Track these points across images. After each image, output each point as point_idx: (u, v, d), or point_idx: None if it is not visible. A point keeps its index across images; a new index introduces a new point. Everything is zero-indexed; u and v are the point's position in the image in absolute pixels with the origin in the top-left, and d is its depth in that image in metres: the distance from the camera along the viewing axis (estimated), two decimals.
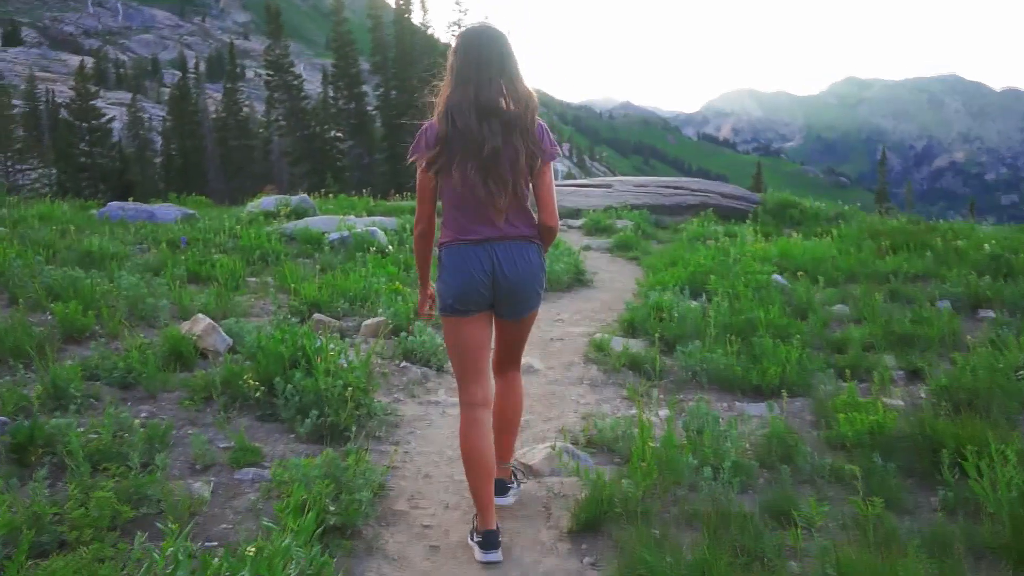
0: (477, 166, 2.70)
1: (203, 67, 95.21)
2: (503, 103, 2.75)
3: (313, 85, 68.53)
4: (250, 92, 77.32)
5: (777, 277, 7.92)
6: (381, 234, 8.59)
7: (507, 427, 3.10)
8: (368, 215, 12.44)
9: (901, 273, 8.66)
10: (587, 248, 11.10)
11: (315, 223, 9.25)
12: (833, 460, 3.53)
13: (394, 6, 51.80)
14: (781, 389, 4.71)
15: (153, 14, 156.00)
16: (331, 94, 52.10)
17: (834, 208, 16.00)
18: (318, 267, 7.43)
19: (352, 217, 10.18)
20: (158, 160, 60.22)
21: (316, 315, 5.49)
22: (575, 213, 14.86)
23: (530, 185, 2.83)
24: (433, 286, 3.02)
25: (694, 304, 6.28)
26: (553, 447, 3.36)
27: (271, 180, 49.25)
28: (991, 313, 7.11)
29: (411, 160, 2.84)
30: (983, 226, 16.32)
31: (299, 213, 10.79)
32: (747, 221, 14.69)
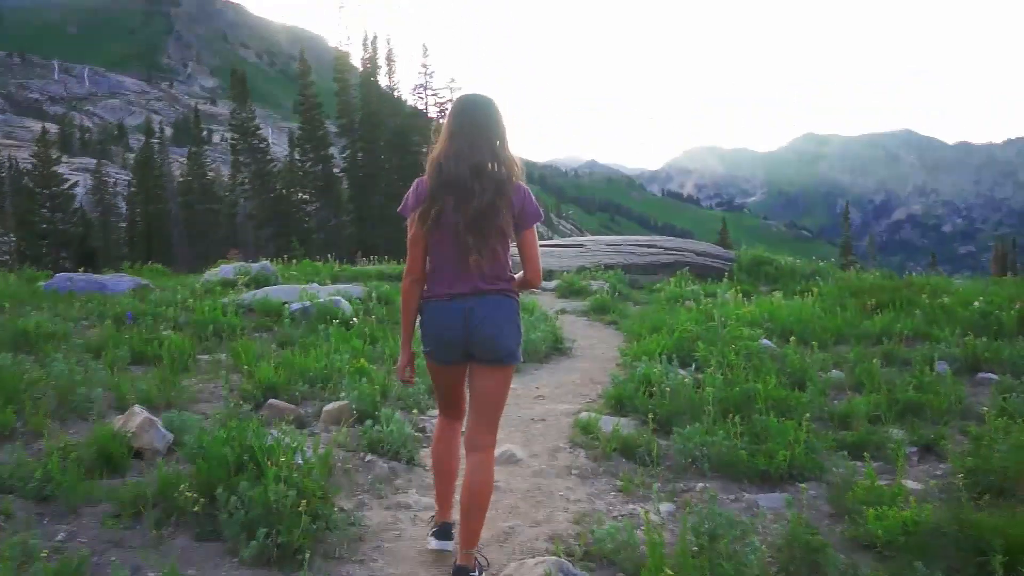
0: (465, 220, 2.89)
1: (169, 132, 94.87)
2: (491, 165, 2.95)
3: (280, 148, 68.43)
4: (216, 156, 76.98)
5: (765, 341, 7.53)
6: (346, 304, 8.09)
7: (474, 511, 3.03)
8: (332, 282, 11.93)
9: (892, 333, 8.32)
10: (562, 312, 10.65)
11: (275, 292, 8.71)
12: (867, 568, 3.06)
13: (360, 69, 52.08)
14: (791, 474, 4.26)
15: (120, 80, 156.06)
16: (298, 156, 51.93)
17: (809, 265, 15.80)
18: (275, 343, 6.90)
19: (315, 285, 9.66)
20: (123, 225, 59.42)
21: (271, 401, 4.94)
22: (548, 275, 14.47)
23: (509, 244, 3.02)
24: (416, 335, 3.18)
25: (685, 376, 5.84)
26: (547, 573, 2.83)
27: (237, 244, 48.62)
28: (992, 376, 6.75)
29: (402, 213, 3.06)
30: (956, 280, 16.22)
31: (260, 281, 10.25)
32: (723, 279, 14.41)
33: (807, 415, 4.68)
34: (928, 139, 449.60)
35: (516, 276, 3.06)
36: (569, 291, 12.22)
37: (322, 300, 8.06)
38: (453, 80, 52.49)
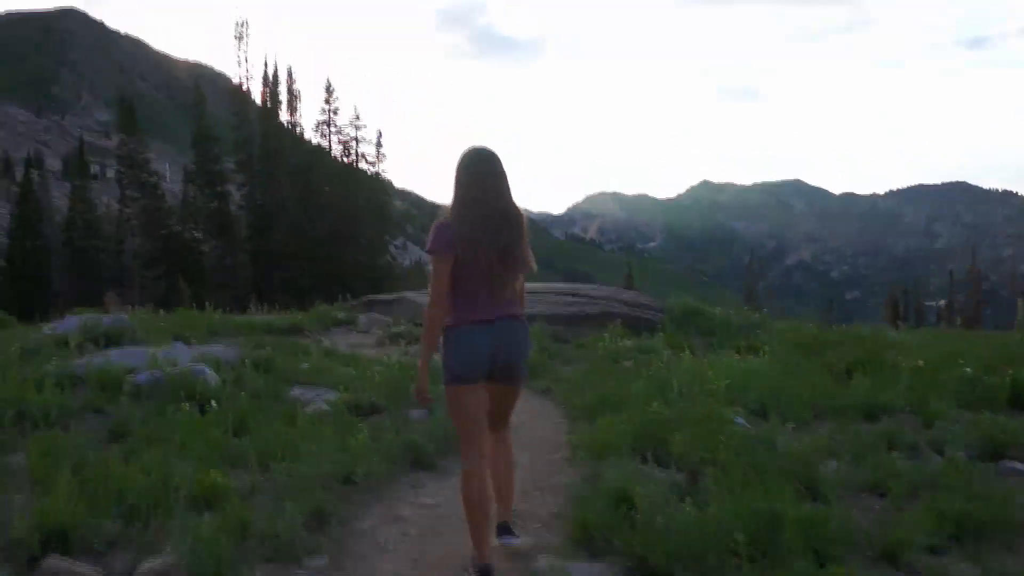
0: (497, 255, 3.36)
1: (59, 165, 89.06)
2: (512, 204, 3.49)
3: (178, 184, 64.82)
4: (109, 192, 72.40)
5: (739, 420, 6.10)
6: (211, 374, 6.25)
7: (504, 479, 3.71)
8: (209, 337, 10.01)
9: (879, 407, 7.03)
10: None
11: (120, 357, 6.72)
12: None
13: (260, 103, 49.74)
14: None
15: (7, 110, 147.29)
16: (192, 193, 48.95)
17: (742, 316, 14.68)
18: (107, 433, 5.02)
19: (179, 345, 7.73)
20: (3, 263, 54.73)
21: (49, 560, 3.07)
22: None
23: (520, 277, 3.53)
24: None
25: (666, 484, 4.30)
26: None
27: (123, 284, 45.32)
28: (1019, 465, 5.50)
29: (431, 252, 3.39)
30: (893, 332, 15.41)
31: (111, 337, 8.24)
32: (657, 332, 13.09)
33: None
34: (816, 189, 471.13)
35: None
36: None
37: (180, 367, 6.21)
38: (358, 117, 50.66)
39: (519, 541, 3.72)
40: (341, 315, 13.51)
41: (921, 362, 8.58)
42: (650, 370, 7.88)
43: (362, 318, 13.13)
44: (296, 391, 6.54)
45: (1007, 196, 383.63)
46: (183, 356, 6.87)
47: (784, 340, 12.00)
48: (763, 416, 6.77)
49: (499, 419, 3.66)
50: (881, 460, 5.23)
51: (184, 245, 46.59)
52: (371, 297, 15.40)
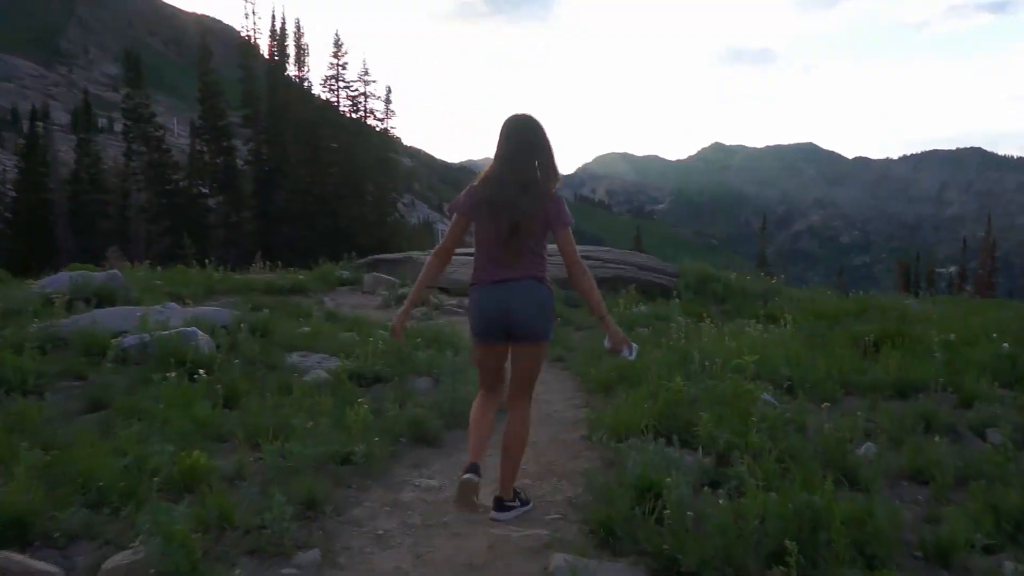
0: (506, 223, 3.51)
1: (66, 119, 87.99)
2: (534, 181, 3.58)
3: (187, 140, 64.11)
4: (116, 146, 71.54)
5: (767, 397, 5.70)
6: (204, 337, 5.86)
7: (509, 456, 3.71)
8: (206, 297, 9.63)
9: (909, 384, 6.63)
10: None
11: (108, 318, 6.31)
12: None
13: (268, 57, 48.88)
14: None
15: (15, 63, 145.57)
16: (199, 148, 48.22)
17: (758, 282, 14.23)
18: (85, 403, 4.64)
19: (173, 306, 7.32)
20: (9, 215, 54.22)
21: (4, 555, 2.74)
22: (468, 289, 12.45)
23: (543, 243, 3.63)
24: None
25: (695, 474, 3.92)
26: None
27: (127, 239, 44.87)
28: None
29: (451, 210, 3.73)
30: (912, 301, 14.98)
31: (103, 295, 7.84)
32: (671, 297, 12.66)
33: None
34: (829, 153, 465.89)
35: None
36: None
37: (170, 331, 5.82)
38: (367, 72, 49.78)
39: (505, 517, 3.66)
40: (346, 274, 13.07)
41: (952, 336, 8.16)
42: (668, 340, 7.46)
43: (367, 278, 12.70)
44: (294, 358, 6.15)
45: (1021, 163, 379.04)
46: (175, 318, 6.46)
47: (804, 310, 11.58)
48: (790, 393, 6.40)
49: (516, 382, 3.73)
50: (921, 445, 4.84)
51: (189, 200, 46.07)
52: (377, 256, 14.97)
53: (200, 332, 5.90)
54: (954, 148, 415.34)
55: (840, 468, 4.25)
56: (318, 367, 5.93)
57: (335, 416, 4.52)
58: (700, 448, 4.34)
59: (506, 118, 3.66)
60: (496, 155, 3.63)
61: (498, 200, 3.54)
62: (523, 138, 3.60)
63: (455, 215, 3.68)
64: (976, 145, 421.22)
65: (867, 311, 12.51)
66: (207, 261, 14.14)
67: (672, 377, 5.86)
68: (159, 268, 12.20)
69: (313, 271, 12.86)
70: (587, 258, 14.00)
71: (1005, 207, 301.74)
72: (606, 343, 3.82)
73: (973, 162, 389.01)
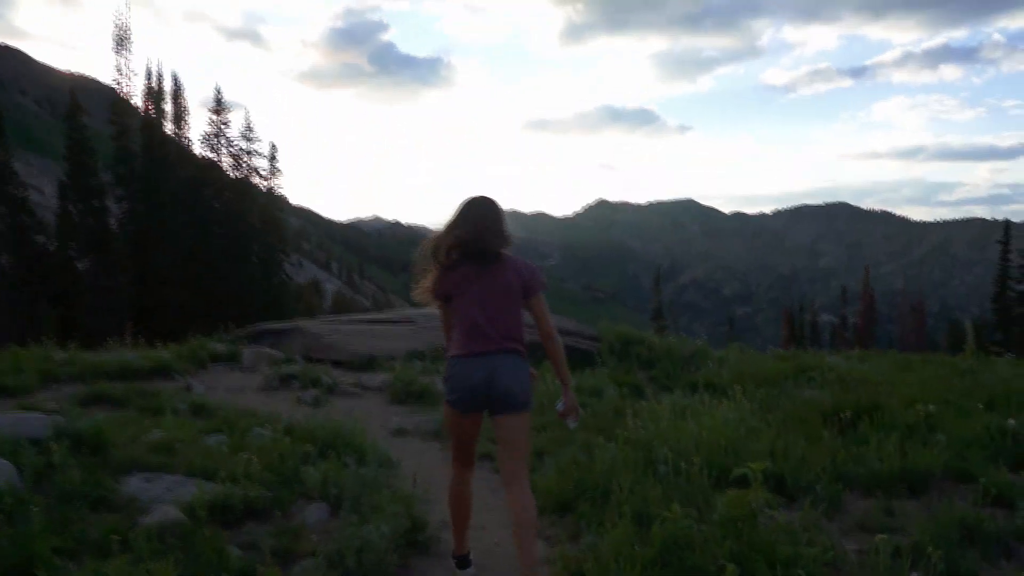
0: (477, 299, 3.64)
1: None
2: (497, 249, 3.70)
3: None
4: None
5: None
6: (2, 466, 4.11)
7: (526, 535, 3.52)
8: (38, 386, 7.70)
9: (913, 475, 5.49)
10: (401, 433, 7.09)
11: None
12: None
13: (143, 112, 46.12)
14: None
15: None
16: (68, 208, 44.62)
17: (684, 344, 13.17)
18: None
19: None
20: None
21: None
22: (369, 363, 10.78)
23: (520, 310, 3.74)
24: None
25: None
26: None
27: None
28: None
29: (422, 290, 3.86)
30: (836, 358, 14.29)
31: None
32: (595, 364, 11.40)
33: None
34: (708, 209, 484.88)
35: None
36: (406, 393, 8.55)
37: None
38: (250, 129, 47.72)
39: None
40: (222, 348, 11.21)
41: (931, 407, 7.13)
42: (623, 431, 6.11)
43: (246, 353, 10.89)
44: (134, 484, 4.43)
45: (885, 216, 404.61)
46: None
47: (740, 374, 10.53)
48: (784, 494, 5.15)
49: (507, 452, 3.70)
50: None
51: (56, 265, 42.50)
52: (260, 326, 13.14)
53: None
54: (823, 203, 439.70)
55: None
56: (167, 497, 4.25)
57: None
58: None
59: (468, 199, 3.81)
60: (450, 227, 3.74)
61: (474, 278, 3.67)
62: (482, 213, 3.74)
63: (437, 301, 3.83)
64: (843, 200, 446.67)
65: (804, 372, 11.63)
66: (70, 333, 11.99)
67: (641, 484, 4.53)
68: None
69: (183, 346, 10.91)
70: None
71: (873, 257, 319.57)
72: (559, 406, 3.97)
73: (842, 215, 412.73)
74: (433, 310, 4.39)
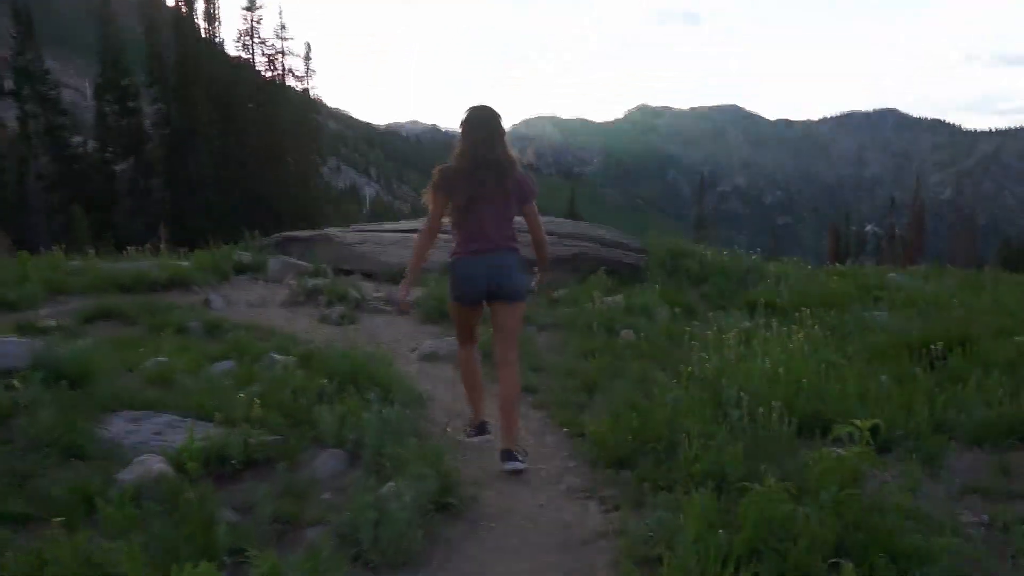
0: (478, 198, 4.01)
1: None
2: (497, 157, 4.04)
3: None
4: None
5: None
6: None
7: (509, 411, 4.05)
8: (44, 299, 7.12)
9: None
10: (432, 358, 6.41)
11: None
12: None
13: (173, 6, 44.79)
14: None
15: None
16: (103, 109, 43.99)
17: (738, 259, 12.27)
18: None
19: None
20: None
21: None
22: (401, 276, 10.07)
23: (513, 215, 4.15)
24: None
25: None
26: None
27: (28, 210, 40.84)
28: None
29: (426, 194, 4.14)
30: (896, 274, 13.36)
31: None
32: (642, 279, 10.60)
33: None
34: (752, 115, 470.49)
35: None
36: (440, 312, 7.83)
37: None
38: (284, 28, 46.24)
39: (522, 465, 4.00)
40: (246, 258, 10.56)
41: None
42: (672, 355, 5.36)
43: (272, 263, 10.22)
44: (118, 426, 3.79)
45: (935, 124, 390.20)
46: None
47: (801, 294, 9.66)
48: (881, 446, 4.39)
49: (502, 341, 4.19)
50: None
51: (92, 167, 42.20)
52: (287, 235, 12.44)
53: None
54: (871, 110, 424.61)
55: None
56: (155, 444, 3.61)
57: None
58: None
59: (469, 109, 4.13)
60: (463, 140, 4.05)
61: (474, 179, 4.00)
62: (486, 126, 4.07)
63: (435, 194, 4.06)
64: (892, 107, 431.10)
65: (869, 292, 10.76)
66: (103, 236, 11.39)
67: (711, 434, 3.81)
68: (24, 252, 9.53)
69: (201, 256, 10.24)
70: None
71: (920, 167, 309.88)
72: (532, 283, 4.48)
73: (889, 123, 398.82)
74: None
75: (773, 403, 4.27)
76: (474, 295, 4.10)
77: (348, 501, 3.21)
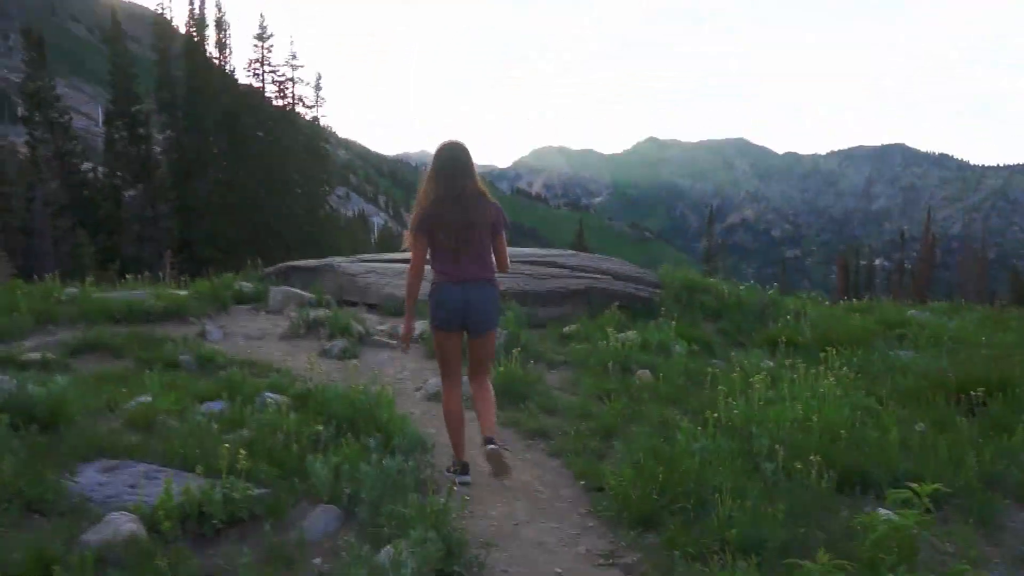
0: (453, 233, 4.24)
1: None
2: (468, 191, 4.28)
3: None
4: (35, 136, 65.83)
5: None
6: None
7: (487, 411, 4.40)
8: (36, 327, 6.78)
9: None
10: (438, 397, 6.03)
11: None
12: None
13: (185, 36, 45.06)
14: None
15: None
16: (113, 135, 44.03)
17: (755, 294, 11.88)
18: None
19: None
20: None
21: None
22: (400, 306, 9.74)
23: (489, 245, 4.38)
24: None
25: None
26: None
27: (34, 235, 40.74)
28: None
29: (407, 239, 4.40)
30: (915, 311, 13.01)
31: None
32: (655, 314, 10.21)
33: None
34: (760, 148, 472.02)
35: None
36: None
37: None
38: (295, 57, 46.44)
39: (499, 447, 4.22)
40: (248, 288, 10.25)
41: None
42: (692, 396, 4.99)
43: (274, 293, 9.89)
44: (88, 477, 3.42)
45: (943, 159, 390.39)
46: None
47: (826, 332, 9.27)
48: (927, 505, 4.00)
49: (477, 366, 4.53)
50: None
51: (100, 193, 42.16)
52: (289, 264, 12.10)
53: None
54: (879, 144, 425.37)
55: None
56: (129, 498, 3.24)
57: None
58: None
59: (440, 145, 4.40)
60: (435, 176, 4.31)
61: (448, 214, 4.25)
62: (455, 159, 4.31)
63: (415, 236, 4.32)
64: (899, 141, 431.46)
65: (892, 329, 10.38)
66: (111, 262, 11.09)
67: (744, 490, 3.43)
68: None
69: (201, 284, 9.90)
70: (552, 265, 11.57)
71: (927, 201, 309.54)
72: None
73: (897, 157, 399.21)
74: None
75: (811, 457, 3.89)
76: (454, 320, 4.29)
77: (341, 569, 2.83)
